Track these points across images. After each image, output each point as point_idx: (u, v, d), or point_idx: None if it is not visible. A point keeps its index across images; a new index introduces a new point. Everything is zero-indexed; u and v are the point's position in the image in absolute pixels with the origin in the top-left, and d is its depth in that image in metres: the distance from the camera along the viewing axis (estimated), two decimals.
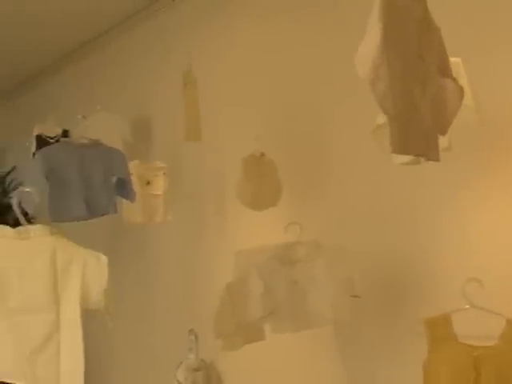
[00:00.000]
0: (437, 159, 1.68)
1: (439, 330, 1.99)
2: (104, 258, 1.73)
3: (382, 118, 1.92)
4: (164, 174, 3.52)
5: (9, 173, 6.39)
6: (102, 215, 2.84)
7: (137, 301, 4.16)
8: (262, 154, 3.10)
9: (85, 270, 1.71)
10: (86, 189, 2.71)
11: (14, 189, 6.27)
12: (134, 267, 4.19)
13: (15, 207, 1.74)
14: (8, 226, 1.79)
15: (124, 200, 3.14)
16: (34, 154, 4.03)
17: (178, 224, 3.71)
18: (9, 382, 1.80)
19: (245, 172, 3.05)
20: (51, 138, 4.07)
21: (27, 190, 1.77)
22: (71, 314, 1.72)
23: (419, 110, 1.53)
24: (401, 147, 1.48)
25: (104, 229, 3.99)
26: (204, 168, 3.78)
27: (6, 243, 1.78)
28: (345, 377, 2.98)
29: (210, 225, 3.73)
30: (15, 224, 5.69)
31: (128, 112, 4.37)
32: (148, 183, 3.49)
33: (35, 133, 4.22)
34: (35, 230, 1.78)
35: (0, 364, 1.80)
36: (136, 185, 3.34)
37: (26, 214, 5.78)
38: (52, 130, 4.13)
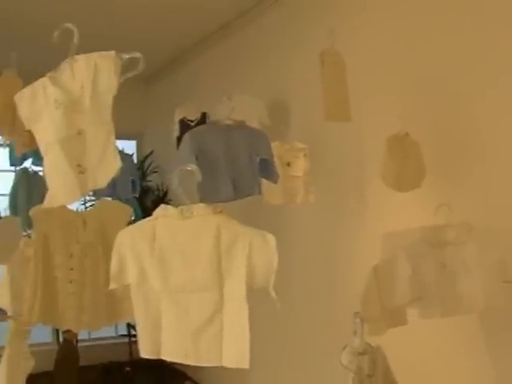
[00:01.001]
0: None
1: None
2: (271, 238, 1.71)
3: None
4: (304, 155, 3.50)
5: (147, 157, 6.62)
6: (247, 196, 2.85)
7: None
8: (407, 134, 3.00)
9: (250, 249, 1.70)
10: (233, 170, 2.72)
11: (153, 172, 6.50)
12: None
13: (176, 187, 1.75)
14: (170, 206, 1.80)
15: (264, 181, 3.13)
16: (177, 138, 4.11)
17: (317, 206, 3.67)
18: (171, 360, 1.83)
19: (389, 152, 2.96)
20: (191, 122, 4.15)
21: (188, 168, 1.77)
22: (236, 294, 1.70)
23: None
24: None
25: (240, 209, 4.02)
26: (344, 149, 3.72)
27: (168, 222, 1.79)
28: (490, 369, 2.84)
29: (351, 206, 3.68)
30: (153, 205, 5.89)
31: (265, 94, 4.38)
32: (288, 164, 3.48)
33: (177, 117, 4.31)
34: (198, 209, 1.76)
35: (164, 342, 1.81)
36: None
37: (164, 195, 5.97)
38: (192, 114, 4.20)
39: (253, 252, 1.70)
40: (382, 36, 3.46)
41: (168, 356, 1.81)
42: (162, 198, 6.35)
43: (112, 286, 1.88)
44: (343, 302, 3.63)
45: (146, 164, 6.57)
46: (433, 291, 2.62)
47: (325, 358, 3.82)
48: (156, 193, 6.48)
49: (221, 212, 1.76)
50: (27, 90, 2.03)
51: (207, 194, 2.34)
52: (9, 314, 2.54)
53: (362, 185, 3.60)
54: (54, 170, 1.95)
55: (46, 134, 1.95)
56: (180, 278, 1.75)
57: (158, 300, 1.80)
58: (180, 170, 1.76)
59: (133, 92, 6.31)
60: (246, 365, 1.69)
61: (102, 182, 1.89)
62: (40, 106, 1.97)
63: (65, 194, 1.94)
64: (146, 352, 1.85)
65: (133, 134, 7.22)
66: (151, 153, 6.68)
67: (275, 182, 2.99)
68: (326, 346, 3.83)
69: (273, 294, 1.69)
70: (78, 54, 1.94)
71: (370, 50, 3.51)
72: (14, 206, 4.18)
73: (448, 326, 2.85)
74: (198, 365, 1.77)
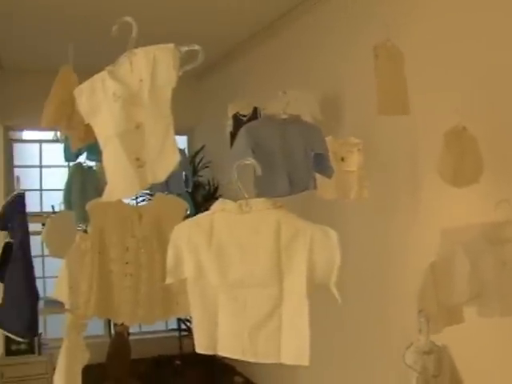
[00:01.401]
0: None
1: None
2: (333, 233, 1.67)
3: None
4: (359, 150, 3.44)
5: (198, 152, 6.64)
6: (302, 191, 2.82)
7: None
8: (464, 128, 2.93)
9: (312, 245, 1.66)
10: (288, 164, 2.69)
11: (204, 167, 6.52)
12: None
13: (235, 181, 1.72)
14: (229, 200, 1.77)
15: (317, 175, 3.10)
16: (231, 133, 4.09)
17: (370, 201, 3.60)
18: (227, 356, 1.78)
19: (446, 147, 2.90)
20: (244, 116, 4.13)
21: (247, 161, 1.74)
22: (296, 289, 1.67)
23: None
24: None
25: (293, 204, 3.99)
26: (398, 143, 3.66)
27: (227, 217, 1.75)
28: None
29: (404, 201, 3.61)
30: (204, 201, 5.88)
31: (317, 89, 4.35)
32: (342, 159, 3.43)
33: (230, 112, 4.29)
34: (257, 203, 1.73)
35: (221, 338, 1.78)
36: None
37: (215, 191, 5.97)
38: (245, 109, 4.18)
39: (314, 247, 1.66)
40: (437, 29, 3.38)
41: (224, 352, 1.78)
42: (213, 194, 6.37)
43: (168, 280, 1.85)
44: (397, 299, 3.58)
45: (197, 159, 6.60)
46: (492, 289, 2.56)
47: (377, 356, 3.78)
48: (207, 188, 6.50)
49: (281, 207, 1.73)
50: (86, 84, 2.03)
51: (264, 189, 2.31)
52: (66, 307, 2.57)
53: (415, 180, 3.53)
54: (112, 163, 1.94)
55: (105, 127, 1.94)
56: (238, 273, 1.72)
57: (214, 295, 1.77)
58: (238, 164, 1.73)
59: (184, 88, 6.25)
60: (305, 362, 1.65)
61: (161, 175, 1.87)
62: (99, 99, 1.97)
63: (124, 187, 1.92)
64: (201, 347, 1.81)
65: (184, 130, 7.26)
66: (202, 148, 6.70)
67: (330, 176, 2.95)
68: (379, 343, 3.80)
69: (334, 290, 1.66)
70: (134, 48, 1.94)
71: (424, 44, 3.44)
72: (68, 200, 4.23)
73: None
74: (255, 361, 1.72)
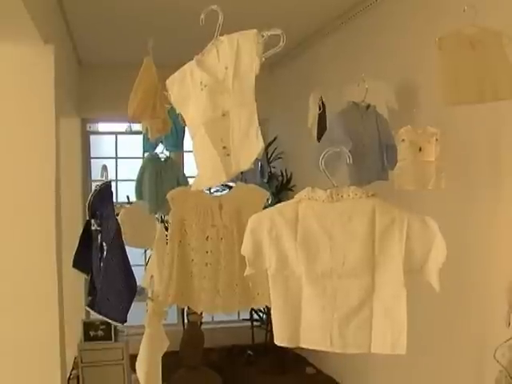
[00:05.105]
0: None
1: None
2: (432, 222, 1.63)
3: None
4: (437, 139, 3.37)
5: (271, 143, 6.64)
6: (376, 180, 2.79)
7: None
8: None
9: (409, 233, 1.63)
10: (370, 153, 2.68)
11: (277, 158, 6.52)
12: None
13: (322, 168, 1.69)
14: (318, 188, 1.73)
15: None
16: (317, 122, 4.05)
17: (447, 190, 3.52)
18: (311, 348, 1.75)
19: None
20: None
21: (337, 150, 1.70)
22: (392, 279, 1.63)
23: None
24: None
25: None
26: (477, 132, 3.54)
27: (314, 205, 1.72)
28: None
29: (485, 192, 3.50)
30: (277, 192, 5.83)
31: (393, 78, 4.27)
32: (420, 149, 3.36)
33: (313, 102, 4.24)
34: (349, 191, 1.69)
35: (305, 330, 1.75)
36: (408, 151, 3.26)
37: (288, 181, 5.90)
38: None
39: (411, 235, 1.63)
40: None
41: (309, 344, 1.74)
42: (286, 185, 6.36)
43: (248, 271, 1.81)
44: (478, 292, 3.49)
45: (270, 150, 6.59)
46: None
47: (454, 349, 3.71)
48: (280, 179, 6.49)
49: (373, 195, 1.70)
50: (177, 74, 2.04)
51: (355, 177, 2.29)
52: (149, 295, 2.62)
53: (496, 171, 3.41)
54: (200, 152, 1.94)
55: (194, 117, 1.94)
56: (327, 264, 1.68)
57: (298, 286, 1.73)
58: (327, 152, 1.69)
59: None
60: (402, 351, 1.62)
61: (245, 164, 1.84)
62: (188, 89, 1.98)
63: (211, 176, 1.91)
64: (283, 340, 1.77)
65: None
66: (275, 139, 6.70)
67: (391, 168, 2.95)
68: (457, 336, 3.72)
69: (433, 279, 1.62)
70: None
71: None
72: (139, 190, 4.28)
73: None
74: (343, 352, 1.69)
